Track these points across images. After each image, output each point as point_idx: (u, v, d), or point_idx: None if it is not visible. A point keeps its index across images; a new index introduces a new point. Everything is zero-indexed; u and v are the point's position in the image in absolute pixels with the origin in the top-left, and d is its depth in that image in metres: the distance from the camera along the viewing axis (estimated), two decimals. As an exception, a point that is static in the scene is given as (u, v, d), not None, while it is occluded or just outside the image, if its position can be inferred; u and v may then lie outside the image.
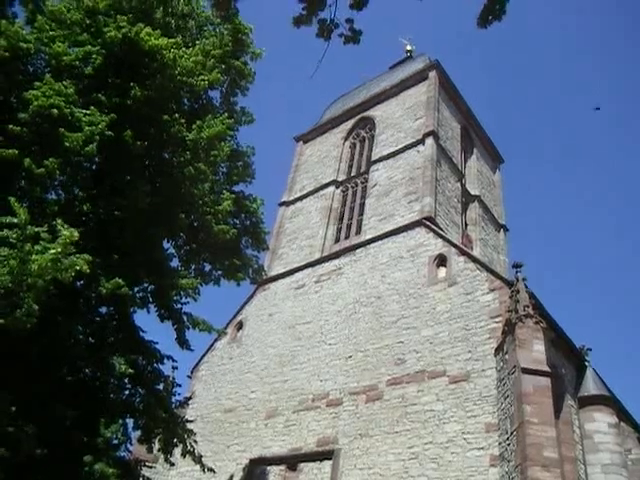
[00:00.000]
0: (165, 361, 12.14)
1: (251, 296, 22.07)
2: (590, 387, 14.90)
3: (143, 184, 11.26)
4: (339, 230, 22.15)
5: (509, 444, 11.63)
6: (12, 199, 8.65)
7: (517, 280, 13.80)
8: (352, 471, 14.42)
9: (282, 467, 16.00)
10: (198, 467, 13.72)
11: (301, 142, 27.90)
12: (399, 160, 21.79)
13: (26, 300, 8.15)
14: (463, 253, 16.56)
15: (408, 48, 32.67)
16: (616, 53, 71.68)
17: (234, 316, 22.03)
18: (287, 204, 25.05)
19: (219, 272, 13.42)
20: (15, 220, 8.52)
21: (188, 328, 12.31)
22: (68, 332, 10.44)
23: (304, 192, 24.82)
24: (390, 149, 22.58)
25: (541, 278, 66.11)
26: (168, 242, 12.92)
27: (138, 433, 12.24)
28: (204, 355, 21.84)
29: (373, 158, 23.06)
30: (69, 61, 10.86)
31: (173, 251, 13.04)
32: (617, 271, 70.53)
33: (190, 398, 16.28)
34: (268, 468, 16.34)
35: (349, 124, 26.27)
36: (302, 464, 15.64)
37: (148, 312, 12.10)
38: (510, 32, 68.46)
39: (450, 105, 24.98)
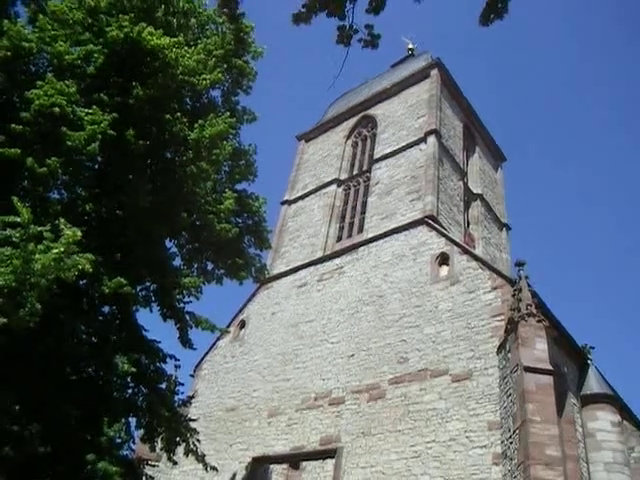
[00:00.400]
0: (168, 360, 12.18)
1: (253, 294, 22.09)
2: (593, 385, 14.88)
3: (145, 183, 11.28)
4: (341, 229, 22.14)
5: (512, 442, 11.62)
6: (15, 198, 8.67)
7: (519, 278, 13.78)
8: (355, 470, 14.43)
9: (285, 466, 16.02)
10: (201, 466, 13.76)
11: (303, 141, 27.90)
12: (401, 158, 21.77)
13: (29, 299, 8.17)
14: (465, 252, 16.54)
15: (410, 47, 32.69)
16: (619, 52, 71.51)
17: (236, 315, 22.05)
18: (289, 203, 25.06)
19: (221, 271, 13.43)
20: (18, 219, 8.54)
21: (191, 327, 12.34)
22: (71, 331, 10.47)
23: (306, 191, 24.82)
24: (392, 147, 22.57)
25: (543, 276, 66.01)
26: (170, 241, 12.94)
27: (141, 432, 12.25)
28: (207, 354, 21.86)
29: (375, 156, 23.04)
30: (71, 60, 10.86)
31: (175, 250, 13.07)
32: (620, 269, 70.47)
33: (193, 397, 16.27)
34: (271, 467, 16.36)
35: (351, 122, 26.25)
36: (305, 463, 15.66)
37: (151, 311, 12.14)
38: (512, 30, 68.39)
39: (452, 103, 24.94)
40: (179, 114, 11.62)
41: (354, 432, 15.12)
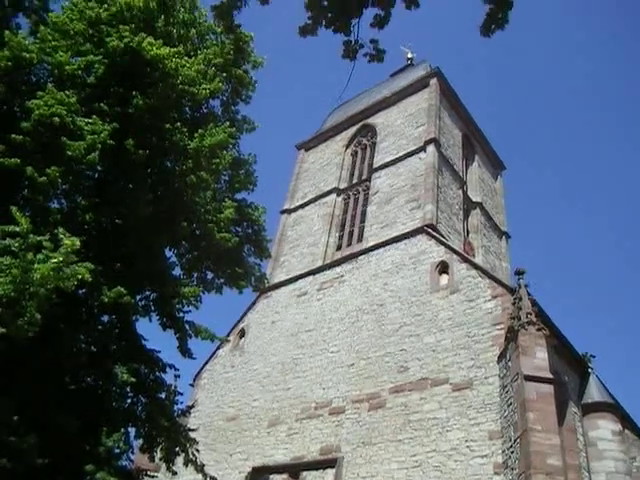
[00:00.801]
0: (167, 369, 12.12)
1: (253, 304, 22.06)
2: (594, 394, 14.83)
3: (145, 192, 11.29)
4: (341, 237, 22.16)
5: (513, 452, 11.57)
6: (14, 208, 8.67)
7: (519, 287, 13.77)
8: (355, 479, 14.35)
9: (285, 476, 15.93)
10: (200, 476, 13.66)
11: (303, 150, 27.98)
12: (401, 167, 21.83)
13: (28, 309, 8.15)
14: (465, 260, 16.54)
15: (409, 56, 32.82)
16: (618, 59, 71.85)
17: (236, 324, 22.02)
18: (289, 212, 25.08)
19: (221, 280, 13.40)
20: (17, 229, 8.54)
21: (190, 336, 12.29)
22: (70, 341, 10.43)
23: (306, 200, 24.86)
24: (391, 156, 22.62)
25: (543, 285, 65.96)
26: (170, 250, 12.93)
27: (140, 442, 12.18)
28: (206, 363, 21.81)
29: (375, 165, 23.10)
30: (71, 70, 10.91)
31: (175, 259, 13.04)
32: (620, 278, 70.37)
33: (192, 406, 16.18)
34: (271, 477, 16.27)
35: (350, 132, 26.34)
36: (305, 472, 15.57)
37: (150, 320, 12.11)
38: (511, 39, 68.70)
39: (451, 112, 25.04)
40: (179, 124, 11.65)
41: (354, 442, 15.05)
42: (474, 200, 23.63)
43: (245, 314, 22.05)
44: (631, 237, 71.02)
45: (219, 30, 13.42)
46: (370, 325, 17.35)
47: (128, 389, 11.37)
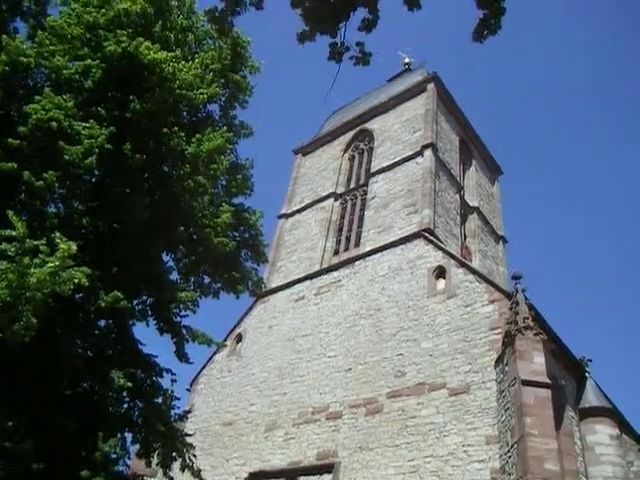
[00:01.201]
0: (164, 374, 12.07)
1: (250, 308, 22.03)
2: (591, 398, 14.84)
3: (142, 197, 11.27)
4: (338, 242, 22.17)
5: (510, 457, 11.55)
6: (10, 212, 8.66)
7: (516, 292, 13.79)
8: (352, 485, 14.32)
9: (282, 481, 15.89)
10: (197, 481, 13.61)
11: (300, 155, 28.01)
12: (398, 172, 21.86)
13: (25, 313, 8.12)
14: (462, 265, 16.56)
15: (406, 61, 32.94)
16: (618, 59, 72.18)
17: (233, 329, 21.99)
18: (286, 216, 25.09)
19: (218, 285, 13.37)
20: (14, 233, 8.53)
21: (187, 341, 12.26)
22: (67, 345, 10.39)
23: (303, 204, 24.88)
24: (389, 161, 22.67)
25: (541, 290, 66.02)
26: (167, 255, 12.90)
27: (137, 447, 12.12)
28: (203, 368, 21.76)
29: (372, 170, 23.14)
30: (69, 75, 10.90)
31: (172, 264, 13.00)
32: (617, 282, 70.50)
33: (189, 411, 16.11)
34: (268, 482, 16.22)
35: (348, 136, 26.39)
36: (302, 478, 15.55)
37: (147, 325, 12.06)
38: (511, 39, 68.98)
39: (448, 117, 25.10)
40: (176, 128, 11.64)
41: (351, 447, 15.02)
42: (471, 205, 23.68)
43: (242, 319, 22.02)
44: (631, 237, 71.31)
45: (216, 35, 13.44)
46: (367, 330, 17.33)
47: (125, 394, 11.31)
